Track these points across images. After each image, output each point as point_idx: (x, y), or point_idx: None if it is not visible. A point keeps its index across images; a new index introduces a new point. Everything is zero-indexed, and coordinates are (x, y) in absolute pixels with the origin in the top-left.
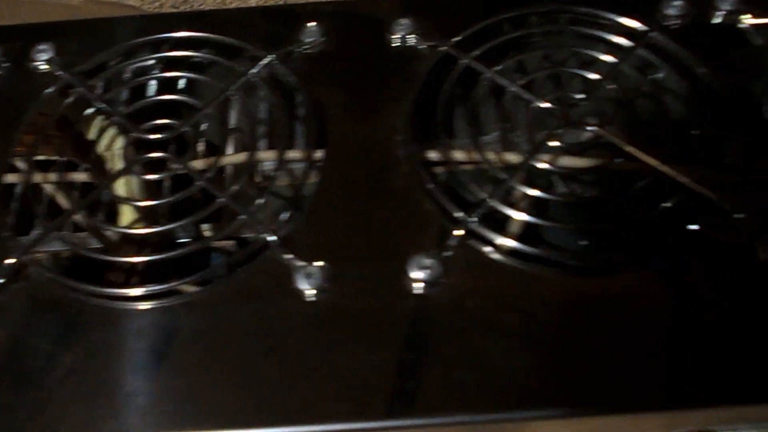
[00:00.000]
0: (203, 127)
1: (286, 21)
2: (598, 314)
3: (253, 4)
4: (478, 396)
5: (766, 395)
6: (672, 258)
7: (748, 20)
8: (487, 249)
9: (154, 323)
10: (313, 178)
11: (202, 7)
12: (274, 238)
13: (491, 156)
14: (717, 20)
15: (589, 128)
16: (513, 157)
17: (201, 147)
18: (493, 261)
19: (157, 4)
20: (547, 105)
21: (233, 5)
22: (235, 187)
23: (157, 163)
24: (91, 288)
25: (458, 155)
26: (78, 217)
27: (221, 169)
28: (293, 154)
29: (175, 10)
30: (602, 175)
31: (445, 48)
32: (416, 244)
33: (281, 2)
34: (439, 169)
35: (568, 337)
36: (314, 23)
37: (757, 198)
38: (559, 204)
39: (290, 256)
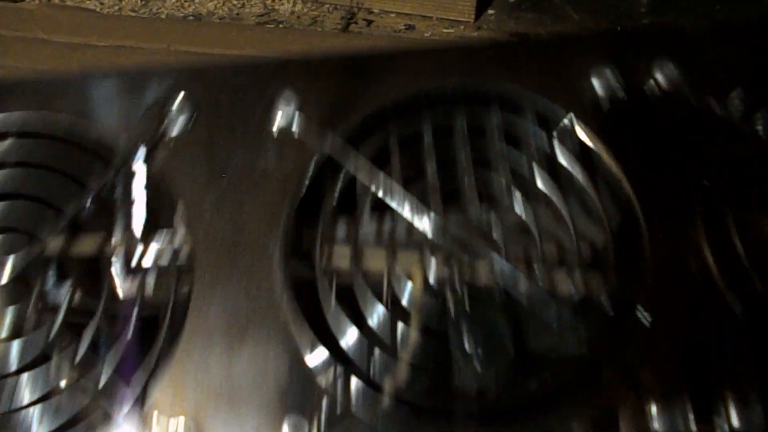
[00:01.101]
0: None
1: (154, 92)
2: None
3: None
4: None
5: None
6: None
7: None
8: (359, 408)
9: None
10: (172, 303)
11: (161, 10)
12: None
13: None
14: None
15: (492, 255)
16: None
17: None
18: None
19: (116, 8)
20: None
21: (190, 9)
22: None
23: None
24: None
25: (342, 270)
26: None
27: None
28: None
29: (133, 14)
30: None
31: (328, 150)
32: (289, 402)
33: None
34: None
35: None
36: (186, 101)
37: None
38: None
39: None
